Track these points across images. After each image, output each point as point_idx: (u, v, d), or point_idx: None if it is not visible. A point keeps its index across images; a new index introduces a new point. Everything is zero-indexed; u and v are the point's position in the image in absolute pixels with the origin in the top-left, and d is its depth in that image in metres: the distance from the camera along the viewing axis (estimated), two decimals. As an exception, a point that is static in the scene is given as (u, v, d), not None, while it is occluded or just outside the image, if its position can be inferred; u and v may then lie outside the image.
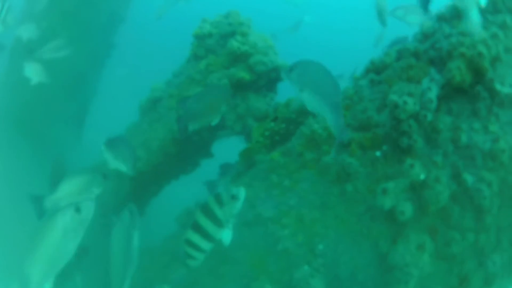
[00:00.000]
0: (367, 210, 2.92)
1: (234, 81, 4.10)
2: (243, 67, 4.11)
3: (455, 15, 3.47)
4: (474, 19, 3.23)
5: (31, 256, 2.40)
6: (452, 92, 2.99)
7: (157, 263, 4.39)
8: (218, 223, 2.60)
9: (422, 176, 2.79)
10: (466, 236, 2.85)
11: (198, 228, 2.60)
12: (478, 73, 2.96)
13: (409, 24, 5.58)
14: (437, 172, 2.80)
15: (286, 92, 4.94)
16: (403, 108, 2.73)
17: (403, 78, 3.09)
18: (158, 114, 5.09)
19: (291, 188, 3.25)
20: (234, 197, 2.60)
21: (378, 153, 2.98)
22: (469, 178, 2.77)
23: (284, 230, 3.11)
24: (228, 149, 4.92)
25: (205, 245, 2.63)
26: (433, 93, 2.83)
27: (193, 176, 5.64)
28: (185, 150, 4.90)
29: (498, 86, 2.88)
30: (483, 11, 3.43)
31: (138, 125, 5.41)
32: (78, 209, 2.45)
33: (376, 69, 3.47)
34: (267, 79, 4.22)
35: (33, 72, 5.24)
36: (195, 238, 2.59)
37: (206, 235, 2.62)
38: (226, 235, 2.65)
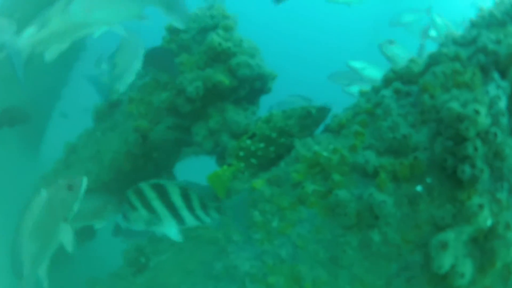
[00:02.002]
0: (402, 269, 1.79)
1: (209, 85, 2.95)
2: (222, 69, 2.97)
3: (494, 22, 2.51)
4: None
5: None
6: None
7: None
8: None
9: (488, 222, 1.72)
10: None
11: None
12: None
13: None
14: (506, 215, 1.74)
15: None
16: (474, 121, 1.63)
17: (449, 85, 2.04)
18: (114, 121, 3.87)
19: (282, 232, 2.09)
20: None
21: (419, 188, 1.89)
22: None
23: (270, 294, 1.96)
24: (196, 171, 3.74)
25: None
26: (503, 103, 1.79)
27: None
28: (142, 168, 3.69)
29: None
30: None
31: (91, 133, 4.17)
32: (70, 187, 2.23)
33: (400, 78, 2.43)
34: (250, 88, 3.10)
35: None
36: None
37: None
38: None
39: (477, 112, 1.60)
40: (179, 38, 3.32)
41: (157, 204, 2.04)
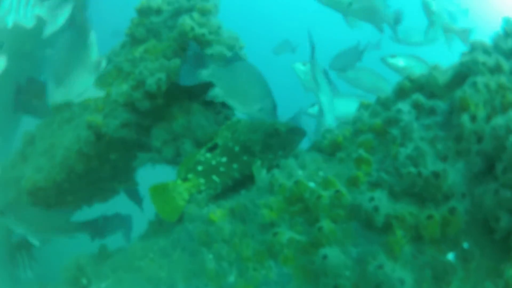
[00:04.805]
0: None
1: (175, 79, 2.16)
2: (193, 59, 2.23)
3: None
4: None
5: None
6: None
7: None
8: None
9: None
10: None
11: None
12: None
13: None
14: None
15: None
16: None
17: (496, 103, 1.31)
18: (71, 113, 3.08)
19: (240, 295, 1.35)
20: None
21: (451, 256, 1.16)
22: None
23: None
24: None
25: None
26: None
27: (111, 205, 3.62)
28: (97, 169, 2.91)
29: None
30: None
31: (49, 123, 3.38)
32: None
33: (420, 89, 1.70)
34: (227, 87, 2.35)
35: None
36: None
37: None
38: None
39: None
40: (150, 22, 2.55)
41: None
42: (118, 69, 2.59)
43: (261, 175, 1.76)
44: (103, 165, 2.85)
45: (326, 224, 1.17)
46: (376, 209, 1.09)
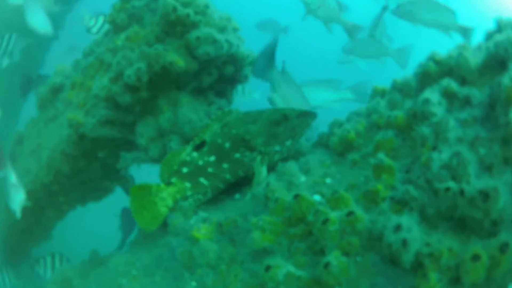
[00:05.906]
0: None
1: (157, 68, 1.84)
2: (177, 45, 1.88)
3: None
4: None
5: None
6: None
7: None
8: None
9: None
10: None
11: None
12: None
13: None
14: None
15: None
16: None
17: None
18: (56, 110, 2.80)
19: None
20: None
21: None
22: None
23: None
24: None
25: None
26: None
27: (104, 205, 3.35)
28: (85, 169, 2.63)
29: None
30: None
31: (35, 123, 3.11)
32: None
33: (449, 74, 1.37)
34: (219, 75, 2.03)
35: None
36: None
37: None
38: None
39: None
40: (130, 6, 2.22)
41: None
42: (100, 60, 2.28)
43: (261, 176, 1.47)
44: (91, 164, 2.56)
45: (334, 258, 0.86)
46: (404, 244, 0.78)
